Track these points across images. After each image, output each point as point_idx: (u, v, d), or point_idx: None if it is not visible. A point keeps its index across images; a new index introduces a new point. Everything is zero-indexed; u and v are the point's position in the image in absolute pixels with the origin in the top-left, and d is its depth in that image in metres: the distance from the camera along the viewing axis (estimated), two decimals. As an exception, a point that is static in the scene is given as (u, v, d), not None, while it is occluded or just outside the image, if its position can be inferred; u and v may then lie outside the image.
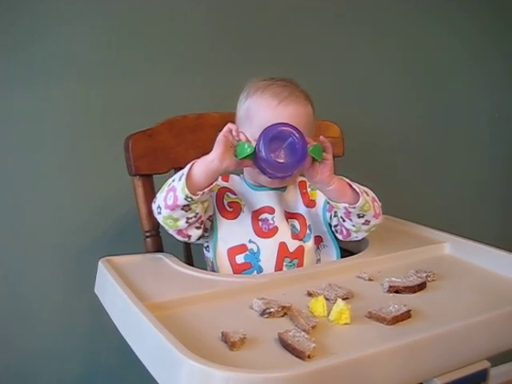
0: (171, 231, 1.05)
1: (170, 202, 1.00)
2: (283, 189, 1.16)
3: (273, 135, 0.98)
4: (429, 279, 1.02)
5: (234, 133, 1.01)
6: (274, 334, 0.79)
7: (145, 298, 0.88)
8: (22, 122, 1.29)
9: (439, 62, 1.86)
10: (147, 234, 1.15)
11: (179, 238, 1.07)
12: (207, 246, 1.14)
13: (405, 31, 1.77)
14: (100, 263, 1.04)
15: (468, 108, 1.94)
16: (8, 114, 1.28)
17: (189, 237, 1.07)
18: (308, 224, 1.15)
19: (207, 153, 1.01)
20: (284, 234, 1.11)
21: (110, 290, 0.96)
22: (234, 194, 1.13)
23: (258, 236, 1.09)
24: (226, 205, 1.12)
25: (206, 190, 0.99)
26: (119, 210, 1.38)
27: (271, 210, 1.12)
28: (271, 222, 1.11)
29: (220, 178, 1.12)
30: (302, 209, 1.16)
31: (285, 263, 1.09)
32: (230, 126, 1.02)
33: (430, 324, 0.83)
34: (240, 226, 1.10)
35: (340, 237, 1.18)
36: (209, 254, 1.13)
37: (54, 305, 1.38)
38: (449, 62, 1.87)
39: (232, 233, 1.09)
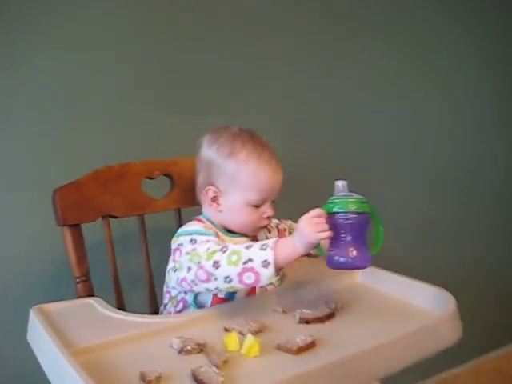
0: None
1: (249, 281, 1.03)
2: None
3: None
4: (338, 308, 1.12)
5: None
6: (189, 370, 0.87)
7: (71, 344, 0.94)
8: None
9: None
10: (78, 280, 1.22)
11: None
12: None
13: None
14: (31, 312, 1.09)
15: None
16: None
17: None
18: None
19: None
20: None
21: (39, 337, 1.01)
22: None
23: None
24: None
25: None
26: (53, 257, 1.43)
27: None
28: None
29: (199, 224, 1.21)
30: None
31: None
32: (318, 213, 1.06)
33: (331, 352, 0.93)
34: None
35: None
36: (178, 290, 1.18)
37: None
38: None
39: None
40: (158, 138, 1.56)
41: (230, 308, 1.12)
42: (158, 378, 0.85)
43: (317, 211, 1.06)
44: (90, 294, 1.23)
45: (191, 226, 1.19)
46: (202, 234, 1.14)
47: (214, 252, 1.05)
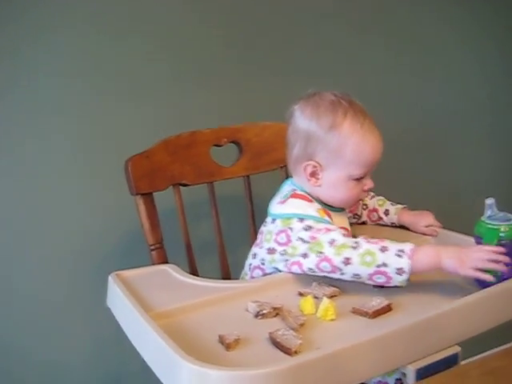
0: None
1: (379, 281, 1.01)
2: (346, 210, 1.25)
3: None
4: (412, 272, 1.10)
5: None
6: (266, 333, 0.88)
7: (150, 309, 0.97)
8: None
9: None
10: (152, 248, 1.24)
11: None
12: None
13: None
14: (110, 278, 1.13)
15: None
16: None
17: None
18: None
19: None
20: None
21: (119, 302, 1.05)
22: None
23: None
24: None
25: None
26: (127, 226, 1.47)
27: (346, 231, 1.18)
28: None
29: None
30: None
31: None
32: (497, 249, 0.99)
33: (408, 315, 0.91)
34: None
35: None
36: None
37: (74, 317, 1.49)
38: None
39: None
40: (224, 105, 1.57)
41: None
42: (237, 341, 0.86)
43: (497, 249, 0.98)
44: (164, 261, 1.26)
45: (299, 207, 1.13)
46: (318, 221, 1.09)
47: (343, 246, 1.02)
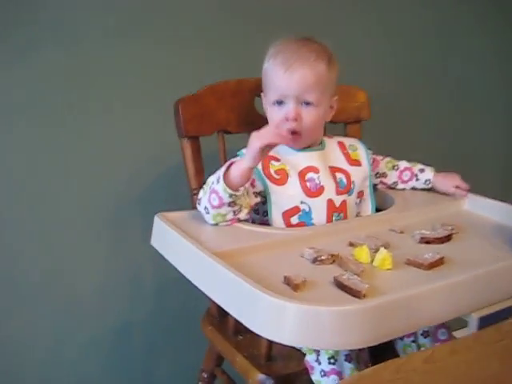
0: (222, 224, 1.13)
1: (215, 203, 1.09)
2: (321, 146, 1.26)
3: None
4: (454, 232, 1.13)
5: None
6: (327, 278, 0.91)
7: (212, 248, 0.98)
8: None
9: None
10: (195, 192, 1.24)
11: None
12: (257, 210, 1.22)
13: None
14: (156, 218, 1.14)
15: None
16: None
17: (238, 219, 1.14)
18: (352, 180, 1.24)
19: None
20: (330, 191, 1.20)
21: (172, 241, 1.06)
22: (278, 161, 1.20)
23: (308, 196, 1.17)
24: (273, 173, 1.18)
25: (246, 185, 1.09)
26: (167, 170, 1.48)
27: (316, 170, 1.20)
28: (317, 181, 1.19)
29: None
30: (345, 165, 1.26)
31: (334, 217, 1.19)
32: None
33: (461, 268, 0.95)
34: (290, 189, 1.17)
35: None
36: (258, 217, 1.23)
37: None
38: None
39: (284, 197, 1.17)
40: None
41: (350, 224, 1.17)
42: (304, 283, 0.88)
43: (275, 122, 1.15)
44: (205, 207, 1.27)
45: None
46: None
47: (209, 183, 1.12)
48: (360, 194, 1.28)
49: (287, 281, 0.89)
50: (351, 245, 1.05)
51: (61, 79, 1.35)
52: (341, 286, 0.88)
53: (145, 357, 1.61)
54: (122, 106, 1.43)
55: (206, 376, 1.36)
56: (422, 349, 1.14)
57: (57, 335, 1.48)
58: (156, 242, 1.13)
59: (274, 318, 0.79)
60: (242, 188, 1.08)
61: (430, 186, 1.36)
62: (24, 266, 1.40)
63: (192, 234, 1.06)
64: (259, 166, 1.17)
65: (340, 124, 1.44)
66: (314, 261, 0.98)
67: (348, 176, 1.24)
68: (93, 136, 1.41)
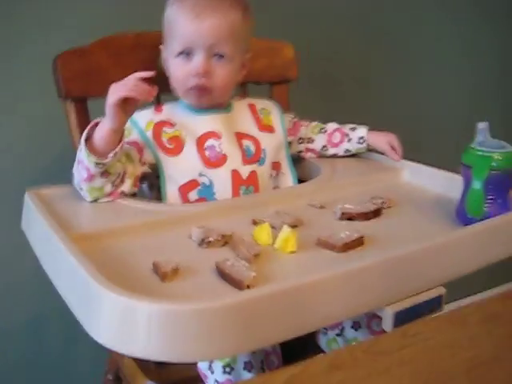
0: (103, 200, 0.93)
1: (85, 175, 0.89)
2: (228, 109, 1.08)
3: None
4: (384, 206, 0.96)
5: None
6: (212, 264, 0.72)
7: (70, 229, 0.79)
8: None
9: None
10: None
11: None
12: (151, 185, 1.05)
13: None
14: (26, 196, 0.94)
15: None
16: None
17: (122, 193, 0.95)
18: (262, 148, 1.07)
19: None
20: (234, 160, 1.02)
21: (33, 223, 0.87)
22: (172, 126, 1.02)
23: (207, 167, 1.00)
24: (165, 141, 1.00)
25: (116, 149, 0.89)
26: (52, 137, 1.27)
27: (217, 136, 1.02)
28: (218, 149, 1.01)
29: (153, 110, 1.04)
30: (254, 131, 1.08)
31: (241, 191, 1.01)
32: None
33: (383, 250, 0.76)
34: (186, 160, 1.00)
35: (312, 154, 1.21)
36: (153, 194, 1.05)
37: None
38: None
39: (179, 170, 0.99)
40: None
41: (257, 198, 0.98)
42: (175, 270, 0.70)
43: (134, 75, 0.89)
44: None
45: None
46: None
47: None
48: (276, 166, 1.09)
49: (155, 268, 0.71)
50: (254, 223, 0.87)
51: None
52: (222, 273, 0.70)
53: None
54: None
55: (111, 378, 1.18)
56: (354, 343, 0.97)
57: None
58: (24, 225, 0.94)
59: (119, 322, 0.60)
60: (110, 154, 0.88)
61: (364, 145, 1.17)
62: None
63: (63, 212, 0.87)
64: (149, 134, 0.99)
65: (265, 86, 1.25)
66: (201, 243, 0.79)
67: (257, 143, 1.06)
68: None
